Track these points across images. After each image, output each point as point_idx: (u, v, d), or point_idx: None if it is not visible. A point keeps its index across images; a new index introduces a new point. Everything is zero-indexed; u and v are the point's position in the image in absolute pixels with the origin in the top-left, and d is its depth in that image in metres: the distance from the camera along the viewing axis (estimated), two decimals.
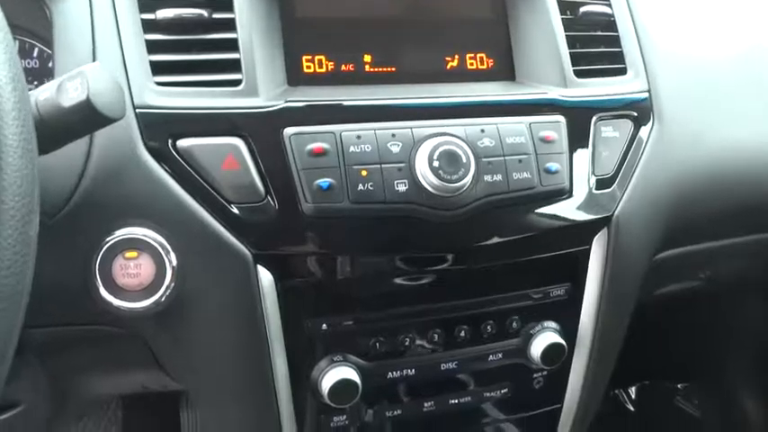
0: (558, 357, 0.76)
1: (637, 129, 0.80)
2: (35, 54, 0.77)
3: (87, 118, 0.49)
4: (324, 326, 0.69)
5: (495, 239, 0.71)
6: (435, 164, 0.66)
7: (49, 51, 0.75)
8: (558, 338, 0.76)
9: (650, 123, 0.81)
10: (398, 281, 0.71)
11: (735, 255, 1.04)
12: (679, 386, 1.84)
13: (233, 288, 0.65)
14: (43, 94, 0.49)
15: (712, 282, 1.13)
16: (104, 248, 0.61)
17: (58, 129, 0.50)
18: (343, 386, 0.68)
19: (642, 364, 1.83)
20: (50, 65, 0.76)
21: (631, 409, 1.83)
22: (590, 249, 0.77)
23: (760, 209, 0.93)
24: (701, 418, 1.79)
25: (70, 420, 1.05)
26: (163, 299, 0.62)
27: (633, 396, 1.85)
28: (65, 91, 0.49)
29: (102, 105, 0.49)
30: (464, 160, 0.67)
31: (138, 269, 0.62)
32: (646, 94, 0.82)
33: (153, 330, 0.68)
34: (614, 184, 0.77)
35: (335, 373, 0.68)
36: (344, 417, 0.73)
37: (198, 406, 0.79)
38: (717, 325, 1.69)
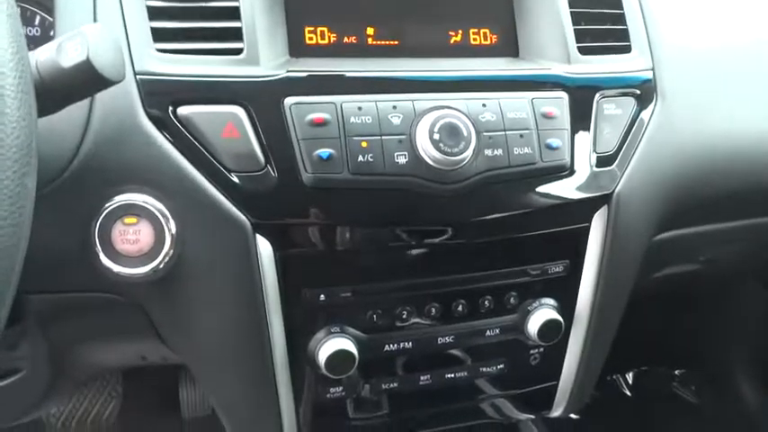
0: (554, 334, 0.77)
1: (639, 107, 0.79)
2: (36, 22, 0.77)
3: (87, 79, 0.49)
4: (322, 297, 0.69)
5: (495, 214, 0.71)
6: (436, 136, 0.66)
7: (51, 19, 0.75)
8: (555, 315, 0.76)
9: (653, 102, 0.81)
10: (397, 253, 0.71)
11: (735, 239, 1.04)
12: (676, 372, 1.85)
13: (231, 257, 0.65)
14: (43, 54, 0.49)
15: (712, 266, 1.13)
16: (104, 214, 0.61)
17: (58, 90, 0.50)
18: (339, 357, 0.68)
19: (640, 350, 1.84)
20: (52, 33, 0.75)
21: (628, 394, 1.84)
22: (589, 227, 0.77)
23: (762, 192, 0.93)
24: (698, 404, 1.80)
25: (70, 389, 1.06)
26: (161, 266, 0.63)
27: (630, 381, 1.86)
28: (64, 51, 0.49)
29: (101, 66, 0.49)
30: (465, 134, 0.66)
31: (137, 235, 0.62)
32: (649, 73, 0.81)
33: (151, 298, 0.68)
34: (615, 162, 0.76)
35: (332, 344, 0.69)
36: (341, 388, 0.74)
37: (196, 378, 0.80)
38: (715, 312, 1.70)
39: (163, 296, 0.68)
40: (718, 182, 0.87)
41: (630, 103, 0.79)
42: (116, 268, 0.62)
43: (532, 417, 0.89)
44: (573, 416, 1.75)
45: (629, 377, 1.86)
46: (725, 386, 1.73)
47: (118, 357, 0.90)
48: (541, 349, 0.81)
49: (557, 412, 0.89)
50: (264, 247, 0.66)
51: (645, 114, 0.79)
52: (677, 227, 0.89)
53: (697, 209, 0.87)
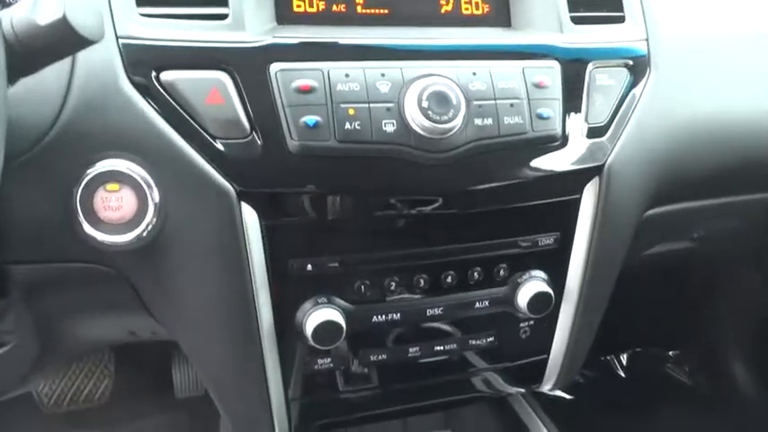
0: (544, 306, 0.76)
1: (633, 78, 0.78)
2: None
3: (64, 37, 0.48)
4: (309, 267, 0.68)
5: (484, 184, 0.70)
6: (425, 104, 0.65)
7: None
8: (545, 288, 0.76)
9: (646, 73, 0.79)
10: (385, 224, 0.70)
11: (726, 215, 1.03)
12: (670, 353, 1.86)
13: (216, 225, 0.64)
14: (18, 12, 0.48)
15: (703, 245, 1.12)
16: (85, 180, 0.60)
17: (35, 49, 0.49)
18: (326, 327, 0.68)
19: (634, 331, 1.84)
20: None
21: (622, 375, 1.84)
22: (581, 199, 0.76)
23: (755, 168, 0.92)
24: (691, 384, 1.81)
25: (59, 364, 1.05)
26: (144, 234, 0.62)
27: (624, 362, 1.86)
28: (40, 8, 0.47)
29: (78, 24, 0.48)
30: (454, 102, 0.65)
31: (119, 202, 0.61)
32: (643, 44, 0.80)
33: (136, 268, 0.68)
34: (607, 133, 0.75)
35: (320, 315, 0.68)
36: (329, 359, 0.73)
37: (184, 350, 0.79)
38: (707, 294, 1.70)
39: (147, 266, 0.67)
40: (711, 156, 0.86)
41: (623, 74, 0.78)
42: (99, 236, 0.61)
43: (522, 390, 0.89)
44: (566, 396, 1.77)
45: (623, 358, 1.87)
46: (718, 367, 1.73)
47: (106, 332, 0.89)
48: (531, 322, 0.80)
49: (547, 386, 0.88)
50: (250, 216, 0.65)
51: (638, 86, 0.78)
52: (668, 202, 0.89)
53: (688, 183, 0.87)
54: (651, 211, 0.87)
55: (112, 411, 1.49)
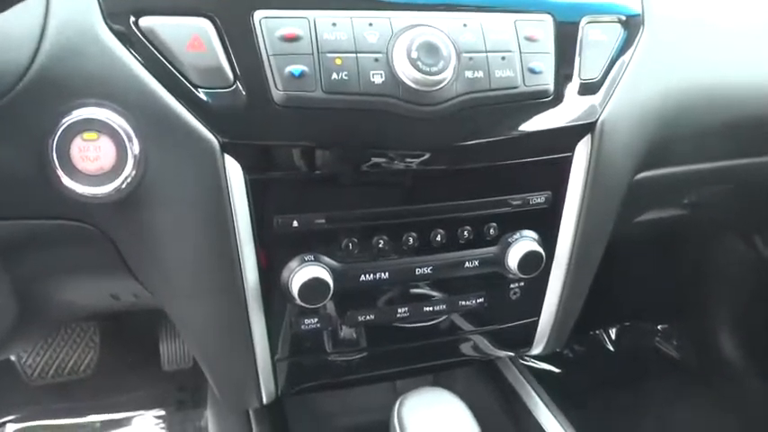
0: (535, 266, 0.75)
1: (626, 35, 0.77)
2: None
3: None
4: (295, 223, 0.66)
5: (475, 140, 0.69)
6: (414, 55, 0.63)
7: None
8: (536, 247, 0.74)
9: (640, 30, 0.78)
10: (373, 179, 0.69)
11: (718, 181, 1.03)
12: (659, 327, 1.86)
13: (199, 178, 0.62)
14: None
15: (696, 210, 1.12)
16: (61, 129, 0.58)
17: None
18: (313, 285, 0.66)
19: (623, 305, 1.85)
20: None
21: (611, 349, 1.85)
22: (572, 157, 0.75)
23: (747, 132, 0.91)
24: (679, 358, 1.82)
25: (41, 331, 1.03)
26: (123, 185, 0.60)
27: (613, 336, 1.87)
28: None
29: None
30: (444, 53, 0.63)
31: (97, 152, 0.59)
32: (637, 0, 0.78)
33: (116, 223, 0.66)
34: (600, 90, 0.74)
35: (306, 273, 0.66)
36: (316, 319, 0.72)
37: (167, 311, 0.77)
38: (697, 268, 1.70)
39: (127, 221, 0.65)
40: (703, 117, 0.85)
41: (617, 30, 0.76)
42: (77, 187, 0.59)
43: (511, 354, 0.88)
44: (556, 369, 1.77)
45: (612, 332, 1.87)
46: (706, 341, 1.74)
47: (88, 295, 0.88)
48: (522, 284, 0.79)
49: (536, 350, 0.88)
50: (234, 170, 0.63)
51: (632, 41, 0.77)
52: (660, 165, 0.88)
53: (681, 144, 0.85)
54: (642, 174, 0.86)
55: (99, 384, 1.48)
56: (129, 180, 0.60)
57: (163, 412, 1.50)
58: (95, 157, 0.59)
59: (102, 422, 1.46)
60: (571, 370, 1.76)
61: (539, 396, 0.90)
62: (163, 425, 1.48)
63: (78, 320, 1.42)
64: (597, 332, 1.87)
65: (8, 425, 1.39)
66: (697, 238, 1.67)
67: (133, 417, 1.48)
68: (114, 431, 1.45)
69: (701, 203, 1.07)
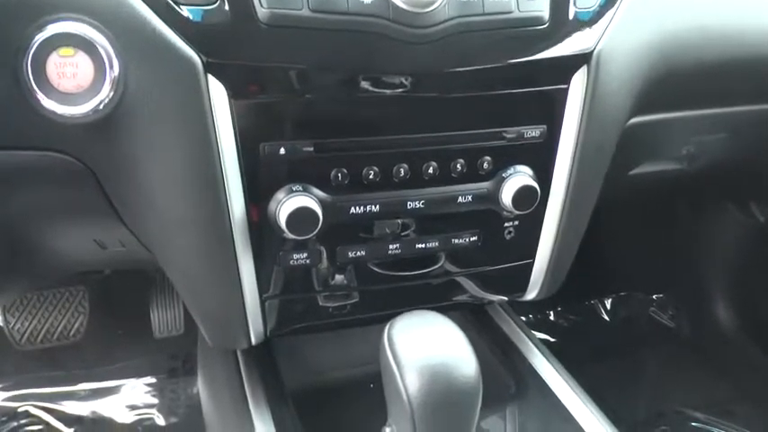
0: (530, 202, 0.73)
1: None
2: None
3: None
4: (282, 151, 0.64)
5: (467, 66, 0.67)
6: None
7: None
8: (530, 182, 0.72)
9: None
10: (363, 106, 0.66)
11: (715, 129, 1.01)
12: (654, 297, 1.86)
13: (181, 99, 0.60)
14: None
15: (692, 164, 1.10)
16: (36, 44, 0.56)
17: None
18: (301, 214, 0.64)
19: (618, 275, 1.84)
20: None
21: (607, 318, 1.85)
22: (568, 90, 0.73)
23: (745, 76, 0.90)
24: (674, 328, 1.81)
25: (22, 284, 1.01)
26: (101, 106, 0.58)
27: (608, 306, 1.86)
28: None
29: None
30: None
31: (74, 68, 0.57)
32: None
33: (98, 153, 0.64)
34: (597, 20, 0.72)
35: (294, 202, 0.64)
36: (305, 254, 0.70)
37: (154, 253, 0.75)
38: (692, 237, 1.70)
39: (108, 150, 0.63)
40: (701, 55, 0.83)
41: None
42: (53, 106, 0.57)
43: (505, 299, 0.86)
44: (551, 338, 1.77)
45: (608, 302, 1.87)
46: (701, 311, 1.74)
47: (71, 243, 0.85)
48: (516, 222, 0.77)
49: (530, 295, 0.86)
50: (218, 92, 0.61)
51: None
52: (656, 108, 0.86)
53: (676, 86, 0.83)
54: (638, 119, 0.84)
55: (89, 351, 1.46)
56: (107, 101, 0.58)
57: (154, 380, 1.48)
58: (73, 74, 0.57)
59: (92, 390, 1.44)
60: (566, 339, 1.75)
61: (532, 342, 0.89)
62: (154, 392, 1.47)
63: (66, 283, 1.40)
64: (592, 302, 1.86)
65: None
66: (691, 207, 1.67)
67: (124, 385, 1.46)
68: (105, 399, 1.44)
69: (699, 153, 1.06)
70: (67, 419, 1.39)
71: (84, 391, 1.44)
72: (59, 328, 1.40)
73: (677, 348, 1.77)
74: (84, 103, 0.57)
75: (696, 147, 1.05)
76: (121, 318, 1.49)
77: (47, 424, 1.38)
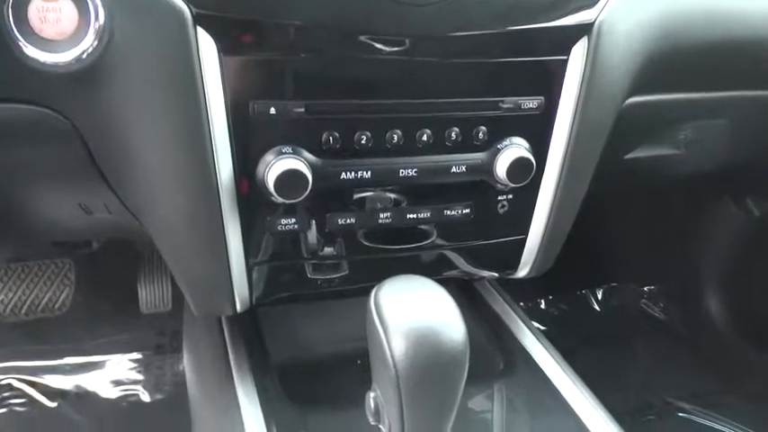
0: (524, 174, 0.72)
1: None
2: None
3: None
4: (272, 110, 0.62)
5: (467, 31, 0.65)
6: None
7: None
8: (526, 154, 0.71)
9: None
10: (357, 68, 0.65)
11: (713, 115, 1.00)
12: (645, 289, 1.86)
13: (169, 52, 0.58)
14: None
15: (689, 149, 1.09)
16: None
17: None
18: (290, 176, 0.62)
19: (610, 265, 1.84)
20: None
21: (597, 308, 1.84)
22: (568, 61, 0.71)
23: (746, 60, 0.88)
24: (665, 319, 1.81)
25: (8, 255, 0.99)
26: (84, 56, 0.56)
27: (600, 297, 1.86)
28: None
29: None
30: None
31: (57, 14, 0.55)
32: None
33: (82, 108, 0.62)
34: None
35: (284, 164, 0.63)
36: (293, 220, 0.68)
37: (140, 218, 0.74)
38: (685, 230, 1.69)
39: (92, 104, 0.61)
40: (703, 36, 0.82)
41: None
42: (35, 53, 0.55)
43: (495, 275, 0.85)
44: (541, 327, 1.76)
45: (599, 293, 1.86)
46: (692, 303, 1.73)
47: (56, 207, 0.83)
48: (510, 196, 0.76)
49: (522, 273, 0.85)
50: (207, 45, 0.59)
51: None
52: (655, 88, 0.84)
53: (676, 66, 0.82)
54: (636, 99, 0.83)
55: (74, 326, 1.44)
56: (90, 50, 0.56)
57: (140, 356, 1.46)
58: (56, 19, 0.55)
59: (77, 364, 1.42)
60: (557, 328, 1.74)
61: (521, 320, 0.87)
62: (140, 368, 1.45)
63: (52, 255, 1.37)
64: (584, 291, 1.86)
65: None
66: (686, 200, 1.66)
67: (109, 360, 1.45)
68: (89, 374, 1.42)
69: (697, 139, 1.04)
70: (51, 393, 1.37)
71: (69, 365, 1.42)
72: (44, 301, 1.38)
73: (666, 340, 1.77)
74: (66, 51, 0.55)
75: (694, 132, 1.04)
76: (108, 292, 1.47)
77: (30, 397, 1.36)
